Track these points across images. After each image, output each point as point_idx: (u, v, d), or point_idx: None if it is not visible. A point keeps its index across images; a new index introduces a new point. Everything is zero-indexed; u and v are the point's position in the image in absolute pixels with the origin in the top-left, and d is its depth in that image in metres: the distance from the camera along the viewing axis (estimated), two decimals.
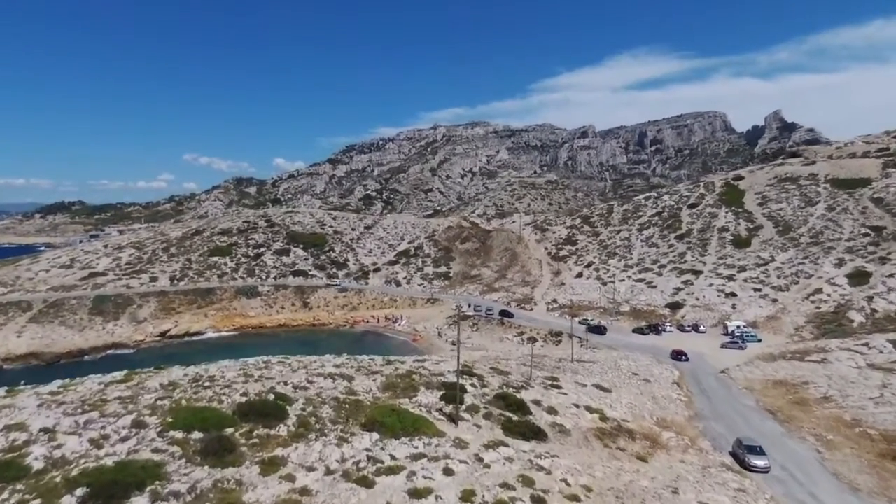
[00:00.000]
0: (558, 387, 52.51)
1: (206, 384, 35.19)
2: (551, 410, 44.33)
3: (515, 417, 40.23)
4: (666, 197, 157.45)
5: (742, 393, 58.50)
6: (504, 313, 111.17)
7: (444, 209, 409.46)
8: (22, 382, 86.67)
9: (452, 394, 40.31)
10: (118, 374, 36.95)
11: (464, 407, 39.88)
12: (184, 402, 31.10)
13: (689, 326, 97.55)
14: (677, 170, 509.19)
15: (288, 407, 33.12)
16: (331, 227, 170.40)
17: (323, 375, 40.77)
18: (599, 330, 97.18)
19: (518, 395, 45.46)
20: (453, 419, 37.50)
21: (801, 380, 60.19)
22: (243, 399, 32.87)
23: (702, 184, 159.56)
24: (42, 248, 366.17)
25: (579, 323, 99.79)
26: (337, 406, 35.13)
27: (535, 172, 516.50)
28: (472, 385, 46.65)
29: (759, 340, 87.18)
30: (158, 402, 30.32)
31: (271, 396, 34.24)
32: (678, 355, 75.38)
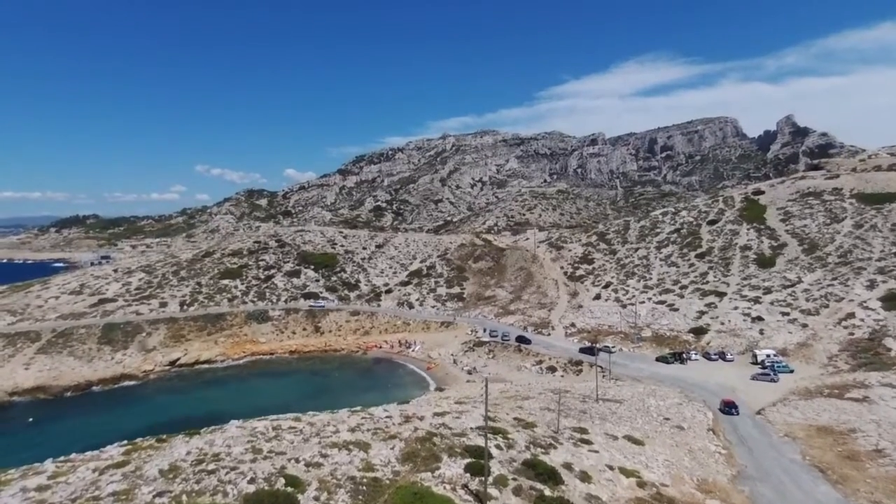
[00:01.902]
0: (588, 441, 49.01)
1: (211, 466, 32.13)
2: (584, 477, 40.84)
3: (548, 492, 36.78)
4: (684, 212, 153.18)
5: (784, 442, 54.53)
6: (521, 339, 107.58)
7: (454, 220, 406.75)
8: (30, 420, 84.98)
9: (478, 464, 37.09)
10: (115, 454, 34.06)
11: (491, 479, 36.57)
12: (184, 497, 28.08)
13: (715, 354, 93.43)
14: (688, 176, 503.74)
15: (300, 496, 30.07)
16: (342, 246, 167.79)
17: (338, 446, 37.58)
18: (591, 351, 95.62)
19: (548, 459, 42.01)
20: (480, 499, 34.19)
21: (847, 426, 56.15)
22: (251, 488, 29.81)
23: (720, 198, 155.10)
24: (56, 264, 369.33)
25: (580, 350, 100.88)
26: (354, 489, 31.98)
27: (545, 181, 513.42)
28: (498, 446, 43.25)
29: (792, 371, 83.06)
30: (157, 500, 27.32)
31: (282, 481, 31.17)
32: (728, 407, 65.65)
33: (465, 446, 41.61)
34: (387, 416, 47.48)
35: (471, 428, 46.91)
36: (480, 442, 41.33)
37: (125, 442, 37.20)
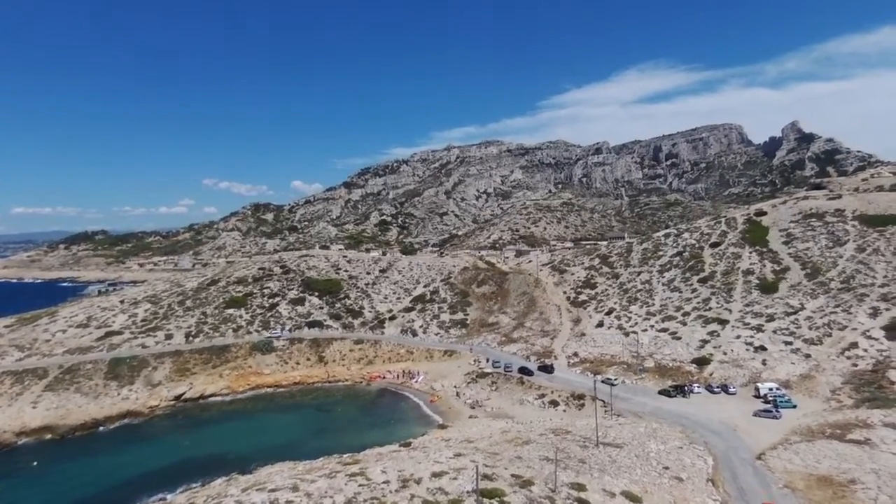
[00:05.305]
0: (585, 501, 49.22)
1: None
2: None
3: None
4: (686, 235, 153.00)
5: (784, 495, 54.46)
6: (523, 370, 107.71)
7: (459, 233, 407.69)
8: (34, 463, 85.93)
9: None
10: None
11: None
12: None
13: (717, 387, 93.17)
14: (694, 184, 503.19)
15: None
16: (346, 271, 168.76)
17: None
18: (547, 369, 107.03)
19: None
20: None
21: (847, 476, 56.04)
22: None
23: (723, 220, 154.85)
24: (64, 284, 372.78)
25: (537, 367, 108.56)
26: None
27: (550, 192, 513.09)
28: None
29: (795, 406, 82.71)
30: None
31: None
32: None
33: None
34: (384, 482, 47.90)
35: (467, 492, 47.25)
36: None
37: None
